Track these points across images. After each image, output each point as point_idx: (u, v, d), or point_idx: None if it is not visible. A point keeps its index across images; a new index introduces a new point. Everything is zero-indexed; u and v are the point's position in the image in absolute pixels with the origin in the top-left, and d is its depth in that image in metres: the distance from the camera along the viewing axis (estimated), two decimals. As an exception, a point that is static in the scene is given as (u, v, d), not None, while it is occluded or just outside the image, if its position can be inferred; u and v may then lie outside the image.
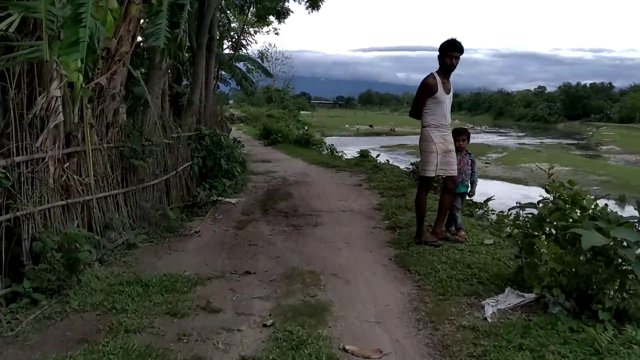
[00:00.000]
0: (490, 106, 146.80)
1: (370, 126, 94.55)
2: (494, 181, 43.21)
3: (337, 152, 25.91)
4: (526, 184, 42.81)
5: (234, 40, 29.88)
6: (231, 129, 26.01)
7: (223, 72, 30.85)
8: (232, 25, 30.61)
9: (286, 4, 28.99)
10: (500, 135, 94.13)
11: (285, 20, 29.34)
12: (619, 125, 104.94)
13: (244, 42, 32.12)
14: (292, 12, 29.23)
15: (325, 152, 26.20)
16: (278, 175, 17.03)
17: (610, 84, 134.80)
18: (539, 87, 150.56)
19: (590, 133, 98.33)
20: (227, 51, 29.91)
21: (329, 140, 79.22)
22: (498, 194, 33.25)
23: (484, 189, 39.55)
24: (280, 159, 22.00)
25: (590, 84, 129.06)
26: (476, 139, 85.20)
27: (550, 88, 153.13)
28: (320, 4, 25.54)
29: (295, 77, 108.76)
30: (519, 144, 78.90)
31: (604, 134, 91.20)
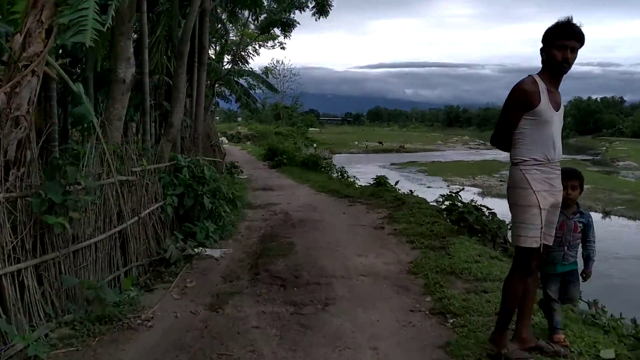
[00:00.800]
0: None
1: (380, 143, 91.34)
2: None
3: (348, 176, 22.84)
4: None
5: (233, 53, 26.97)
6: (225, 153, 23.06)
7: (225, 89, 27.88)
8: (232, 37, 27.74)
9: (292, 15, 26.22)
10: None
11: (290, 33, 26.58)
12: (633, 139, 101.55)
13: (244, 54, 29.17)
14: (299, 23, 26.23)
15: (336, 175, 23.13)
16: (279, 210, 13.85)
17: (621, 97, 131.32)
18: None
19: (604, 148, 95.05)
20: (227, 66, 26.98)
21: (337, 158, 76.51)
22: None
23: (497, 205, 36.03)
24: (284, 186, 18.90)
25: (601, 98, 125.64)
26: (487, 155, 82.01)
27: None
28: (329, 9, 22.76)
29: (303, 94, 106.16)
30: None
31: (619, 149, 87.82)
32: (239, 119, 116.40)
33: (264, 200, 15.62)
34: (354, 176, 22.75)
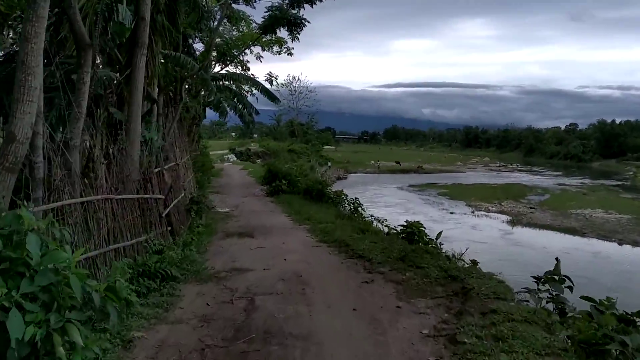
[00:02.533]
0: (519, 143, 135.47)
1: (397, 163, 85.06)
2: (544, 231, 33.82)
3: (363, 210, 16.72)
4: (583, 234, 32.61)
5: (223, 52, 21.07)
6: (187, 186, 17.08)
7: (220, 97, 21.98)
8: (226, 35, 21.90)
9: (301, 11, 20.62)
10: (534, 174, 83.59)
11: (299, 33, 20.81)
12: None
13: (242, 58, 23.23)
14: (309, 22, 20.35)
15: (348, 208, 16.95)
16: (244, 288, 7.84)
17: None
18: (571, 124, 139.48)
19: (631, 173, 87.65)
20: (217, 68, 21.08)
21: (352, 178, 69.76)
22: (560, 251, 22.28)
23: (534, 240, 28.12)
24: (272, 229, 13.01)
25: (625, 121, 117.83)
26: (510, 178, 75.25)
27: (580, 125, 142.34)
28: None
29: (320, 112, 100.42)
30: (558, 184, 68.49)
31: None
32: (255, 135, 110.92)
33: (230, 261, 9.62)
34: (371, 215, 16.55)
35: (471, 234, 30.61)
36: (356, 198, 18.27)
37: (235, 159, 51.70)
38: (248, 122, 21.77)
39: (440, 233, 11.98)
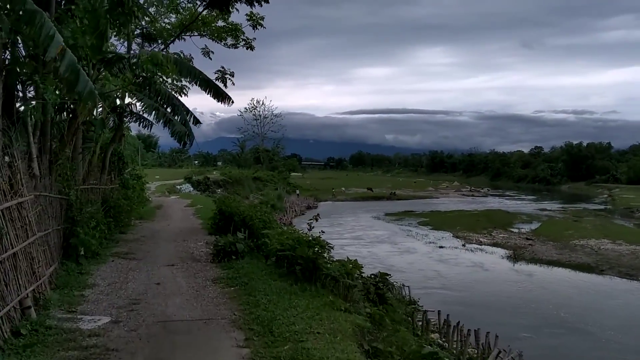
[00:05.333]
0: (485, 167, 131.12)
1: (370, 189, 78.07)
2: (554, 268, 28.09)
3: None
4: (600, 272, 26.77)
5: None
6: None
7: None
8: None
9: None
10: (509, 199, 78.64)
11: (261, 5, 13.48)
12: (630, 186, 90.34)
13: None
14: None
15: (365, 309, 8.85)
16: None
17: (609, 143, 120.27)
18: (536, 147, 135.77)
19: (605, 196, 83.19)
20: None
21: (324, 207, 62.47)
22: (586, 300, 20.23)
23: (552, 283, 24.36)
24: None
25: (588, 143, 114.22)
26: (486, 204, 69.39)
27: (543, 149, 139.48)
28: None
29: (285, 139, 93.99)
30: (539, 209, 63.54)
31: (625, 197, 75.74)
32: (219, 163, 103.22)
33: None
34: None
35: (474, 275, 25.27)
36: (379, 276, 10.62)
37: (190, 189, 43.31)
38: (180, 134, 13.44)
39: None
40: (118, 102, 14.24)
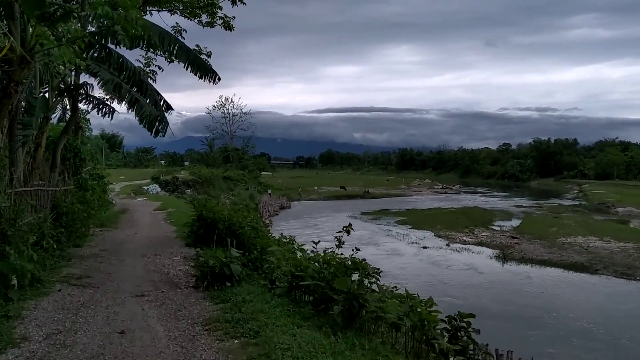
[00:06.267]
0: (455, 164, 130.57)
1: (343, 188, 75.98)
2: (548, 268, 26.35)
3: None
4: (595, 271, 25.15)
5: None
6: None
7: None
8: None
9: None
10: (481, 196, 77.83)
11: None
12: (598, 181, 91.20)
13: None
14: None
15: None
16: None
17: (575, 139, 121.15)
18: (504, 144, 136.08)
19: (576, 191, 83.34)
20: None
21: (297, 208, 60.14)
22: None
23: (547, 283, 22.91)
24: None
25: (555, 140, 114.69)
26: (461, 201, 67.96)
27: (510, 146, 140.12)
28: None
29: (253, 137, 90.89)
30: (515, 206, 62.81)
31: (597, 192, 75.79)
32: (186, 163, 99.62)
33: None
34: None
35: (472, 280, 23.23)
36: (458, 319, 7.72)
37: (158, 190, 40.16)
38: (151, 118, 10.22)
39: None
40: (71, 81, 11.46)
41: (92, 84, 12.06)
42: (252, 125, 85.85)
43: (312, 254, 7.22)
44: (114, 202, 23.12)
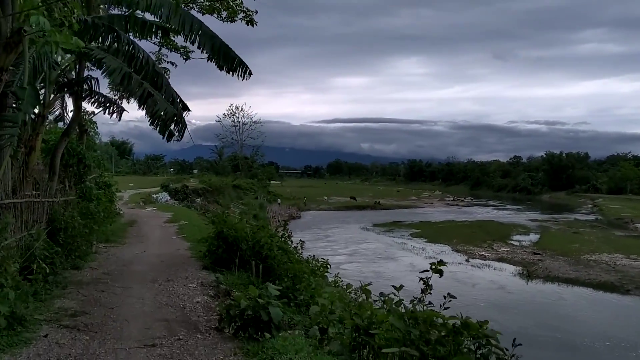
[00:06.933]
0: (465, 176, 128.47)
1: (353, 198, 74.30)
2: (576, 287, 24.72)
3: None
4: (626, 292, 23.60)
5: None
6: None
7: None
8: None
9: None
10: (494, 209, 75.85)
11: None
12: (613, 196, 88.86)
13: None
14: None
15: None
16: None
17: (586, 153, 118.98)
18: (515, 157, 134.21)
19: (590, 206, 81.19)
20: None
21: (307, 217, 58.60)
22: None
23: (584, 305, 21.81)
24: None
25: (567, 153, 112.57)
26: (474, 214, 66.12)
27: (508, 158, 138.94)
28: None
29: (261, 146, 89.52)
30: (530, 220, 60.75)
31: (612, 207, 73.73)
32: (195, 170, 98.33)
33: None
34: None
35: (504, 300, 21.74)
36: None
37: (167, 199, 38.60)
38: (167, 116, 7.99)
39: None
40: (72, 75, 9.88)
41: (97, 79, 10.48)
42: (262, 134, 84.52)
43: (383, 299, 5.24)
44: (121, 212, 21.37)
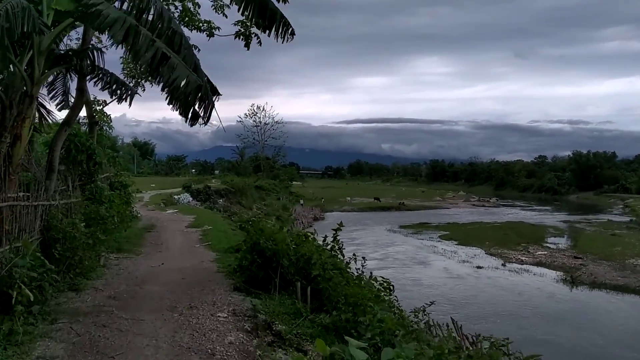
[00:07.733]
0: (489, 176, 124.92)
1: (377, 199, 72.04)
2: (625, 295, 22.64)
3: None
4: None
5: None
6: None
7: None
8: None
9: None
10: (522, 210, 72.92)
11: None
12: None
13: None
14: None
15: None
16: None
17: (614, 153, 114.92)
18: (540, 156, 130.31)
19: (621, 206, 78.04)
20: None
21: (331, 219, 56.67)
22: None
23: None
24: None
25: (595, 153, 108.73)
26: (502, 215, 63.13)
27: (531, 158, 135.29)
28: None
29: (283, 147, 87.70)
30: (562, 221, 57.94)
31: (645, 208, 70.32)
32: (216, 171, 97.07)
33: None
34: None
35: (562, 314, 19.43)
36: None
37: (189, 200, 36.83)
38: (190, 88, 5.85)
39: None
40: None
41: (101, 50, 8.51)
42: (283, 134, 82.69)
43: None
44: (139, 215, 19.34)
